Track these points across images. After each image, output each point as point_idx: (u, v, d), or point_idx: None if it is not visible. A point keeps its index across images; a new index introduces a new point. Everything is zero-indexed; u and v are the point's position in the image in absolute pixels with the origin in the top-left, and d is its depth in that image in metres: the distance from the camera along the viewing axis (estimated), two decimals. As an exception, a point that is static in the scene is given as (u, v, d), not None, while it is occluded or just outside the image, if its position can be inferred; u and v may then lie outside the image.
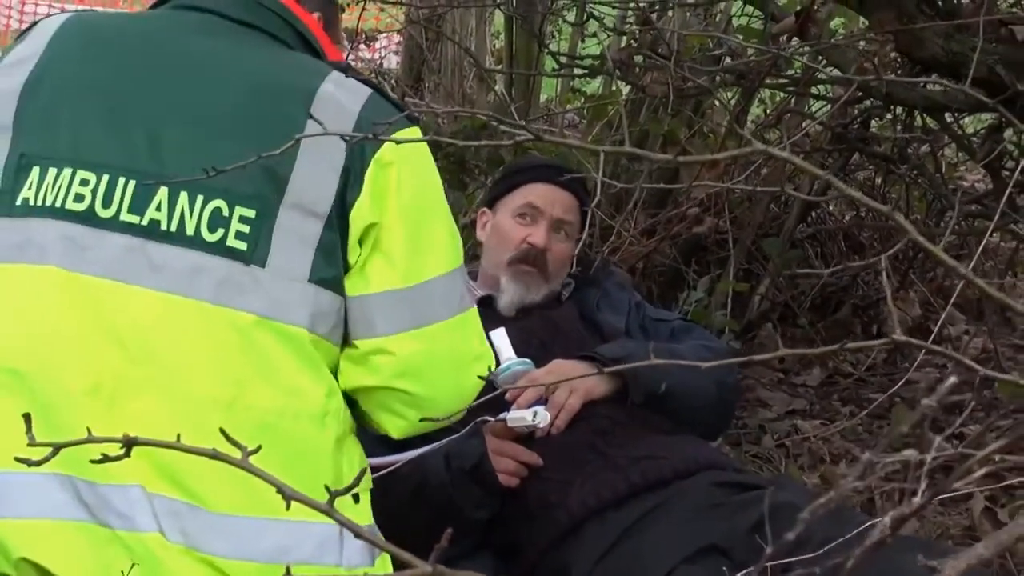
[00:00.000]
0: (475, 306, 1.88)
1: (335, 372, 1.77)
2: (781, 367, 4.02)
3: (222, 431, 0.96)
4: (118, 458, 0.93)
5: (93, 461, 0.99)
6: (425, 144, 1.83)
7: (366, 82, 1.85)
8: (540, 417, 2.20)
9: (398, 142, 1.72)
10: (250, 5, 1.85)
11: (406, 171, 1.76)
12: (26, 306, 1.69)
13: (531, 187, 2.59)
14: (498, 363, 2.27)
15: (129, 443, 0.89)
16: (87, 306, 1.67)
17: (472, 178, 4.08)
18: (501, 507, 2.28)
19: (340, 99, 1.77)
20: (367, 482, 1.77)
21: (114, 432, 1.57)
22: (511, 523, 2.29)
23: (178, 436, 1.04)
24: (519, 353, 2.34)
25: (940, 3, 2.93)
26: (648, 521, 2.19)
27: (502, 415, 2.24)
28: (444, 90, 5.47)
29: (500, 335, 2.34)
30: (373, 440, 1.91)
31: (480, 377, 1.83)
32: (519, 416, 2.21)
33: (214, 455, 0.92)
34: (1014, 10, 3.29)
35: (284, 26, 1.87)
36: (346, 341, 1.78)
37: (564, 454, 2.28)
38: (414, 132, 1.81)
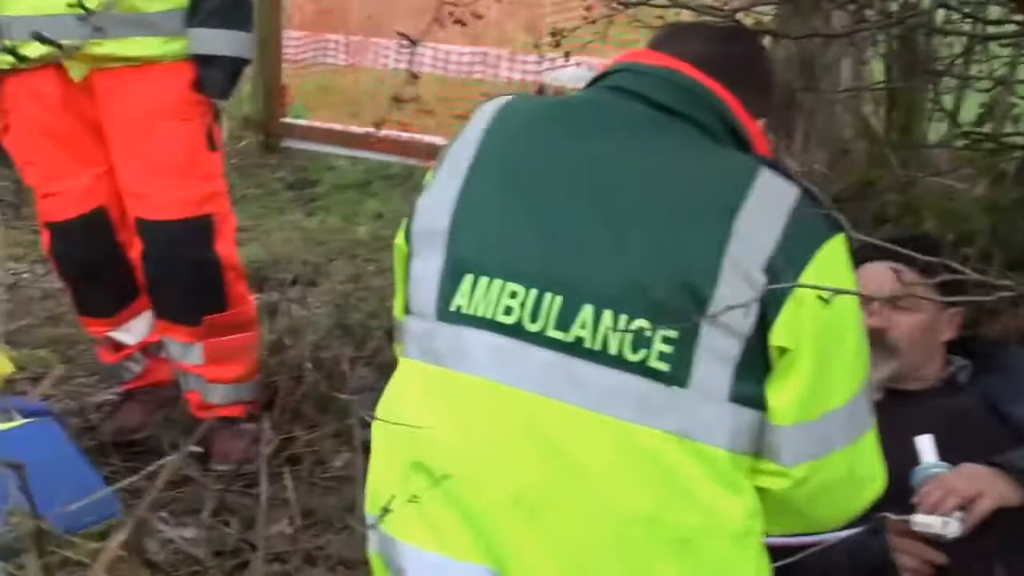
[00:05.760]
0: (874, 423, 1.86)
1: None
2: None
3: None
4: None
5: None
6: (847, 255, 1.80)
7: (791, 179, 1.80)
8: (951, 529, 2.13)
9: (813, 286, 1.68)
10: (680, 93, 1.84)
11: (824, 297, 1.72)
12: (459, 413, 1.78)
13: (860, 272, 2.48)
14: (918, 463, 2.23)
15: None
16: (513, 418, 1.73)
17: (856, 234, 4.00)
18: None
19: (761, 218, 1.74)
20: None
21: (535, 543, 1.70)
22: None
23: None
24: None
25: None
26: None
27: (908, 516, 2.20)
28: (819, 137, 5.38)
29: (925, 440, 2.29)
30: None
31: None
32: (927, 522, 2.14)
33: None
34: None
35: (712, 116, 1.84)
36: None
37: (967, 562, 2.19)
38: (837, 246, 1.76)
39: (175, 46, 3.10)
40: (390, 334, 3.65)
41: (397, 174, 7.05)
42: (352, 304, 4.15)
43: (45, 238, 3.35)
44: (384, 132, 7.33)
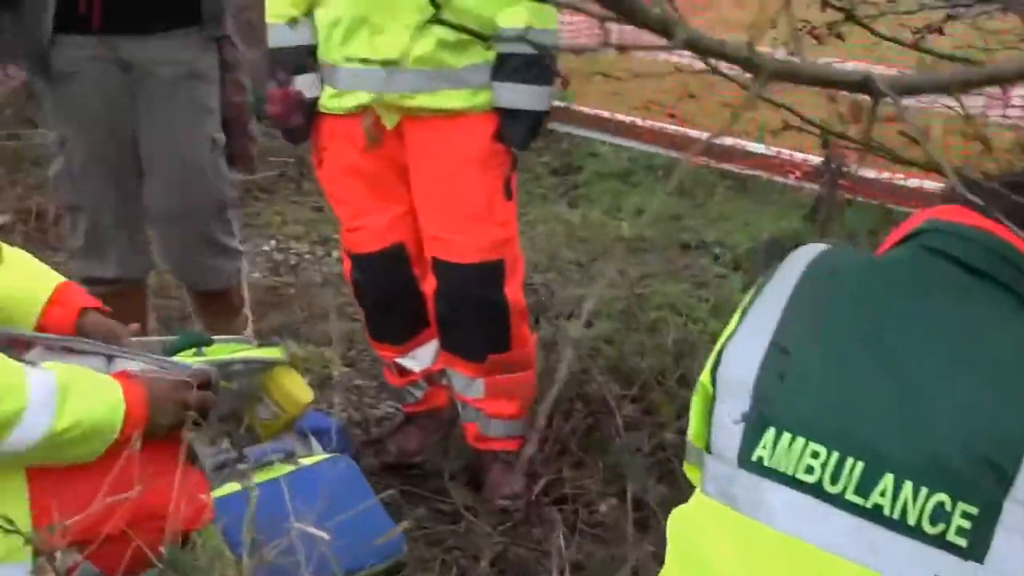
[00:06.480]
0: None
1: None
2: None
3: None
4: None
5: None
6: None
7: None
8: None
9: None
10: (991, 257, 1.85)
11: None
12: (753, 562, 1.84)
13: None
14: None
15: None
16: (808, 574, 1.78)
17: None
18: None
19: None
20: None
21: None
22: None
23: None
24: None
25: None
26: None
27: None
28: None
29: None
30: None
31: None
32: None
33: None
34: None
35: (1021, 278, 1.84)
36: None
37: None
38: None
39: (481, 98, 3.23)
40: (657, 379, 3.77)
41: (661, 165, 7.06)
42: (620, 330, 4.24)
43: (347, 267, 3.57)
44: (650, 123, 7.38)
